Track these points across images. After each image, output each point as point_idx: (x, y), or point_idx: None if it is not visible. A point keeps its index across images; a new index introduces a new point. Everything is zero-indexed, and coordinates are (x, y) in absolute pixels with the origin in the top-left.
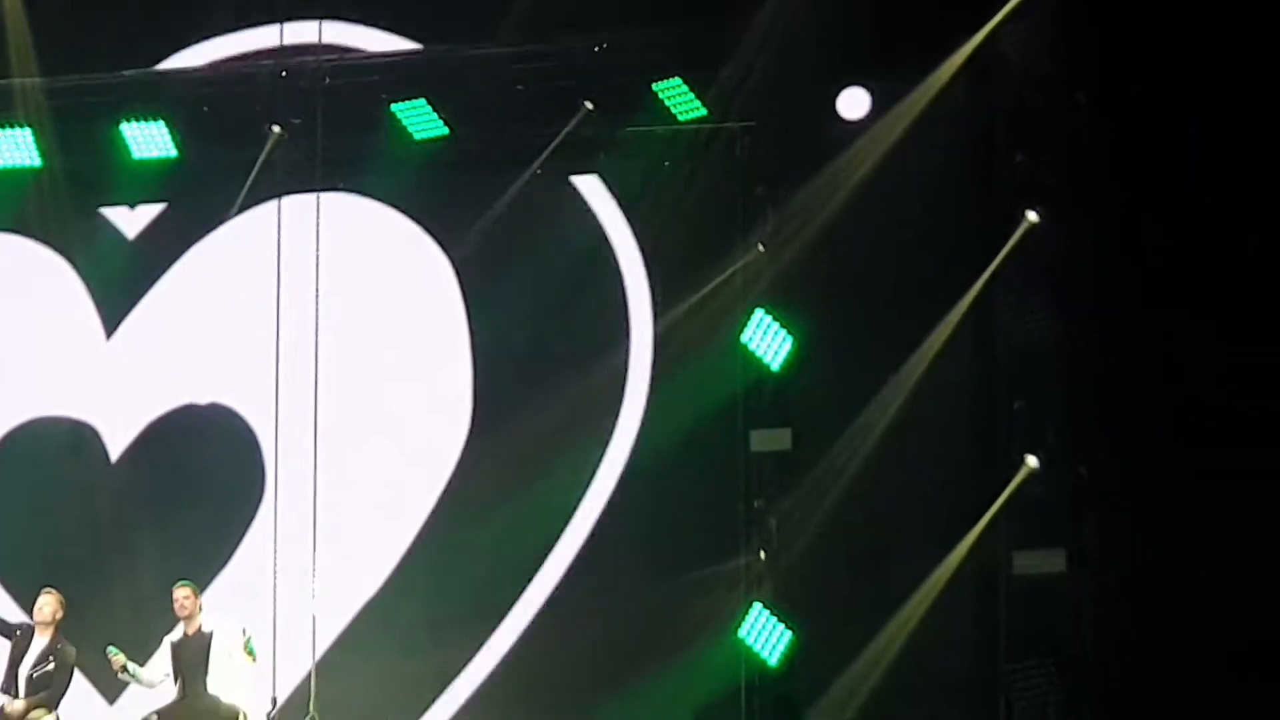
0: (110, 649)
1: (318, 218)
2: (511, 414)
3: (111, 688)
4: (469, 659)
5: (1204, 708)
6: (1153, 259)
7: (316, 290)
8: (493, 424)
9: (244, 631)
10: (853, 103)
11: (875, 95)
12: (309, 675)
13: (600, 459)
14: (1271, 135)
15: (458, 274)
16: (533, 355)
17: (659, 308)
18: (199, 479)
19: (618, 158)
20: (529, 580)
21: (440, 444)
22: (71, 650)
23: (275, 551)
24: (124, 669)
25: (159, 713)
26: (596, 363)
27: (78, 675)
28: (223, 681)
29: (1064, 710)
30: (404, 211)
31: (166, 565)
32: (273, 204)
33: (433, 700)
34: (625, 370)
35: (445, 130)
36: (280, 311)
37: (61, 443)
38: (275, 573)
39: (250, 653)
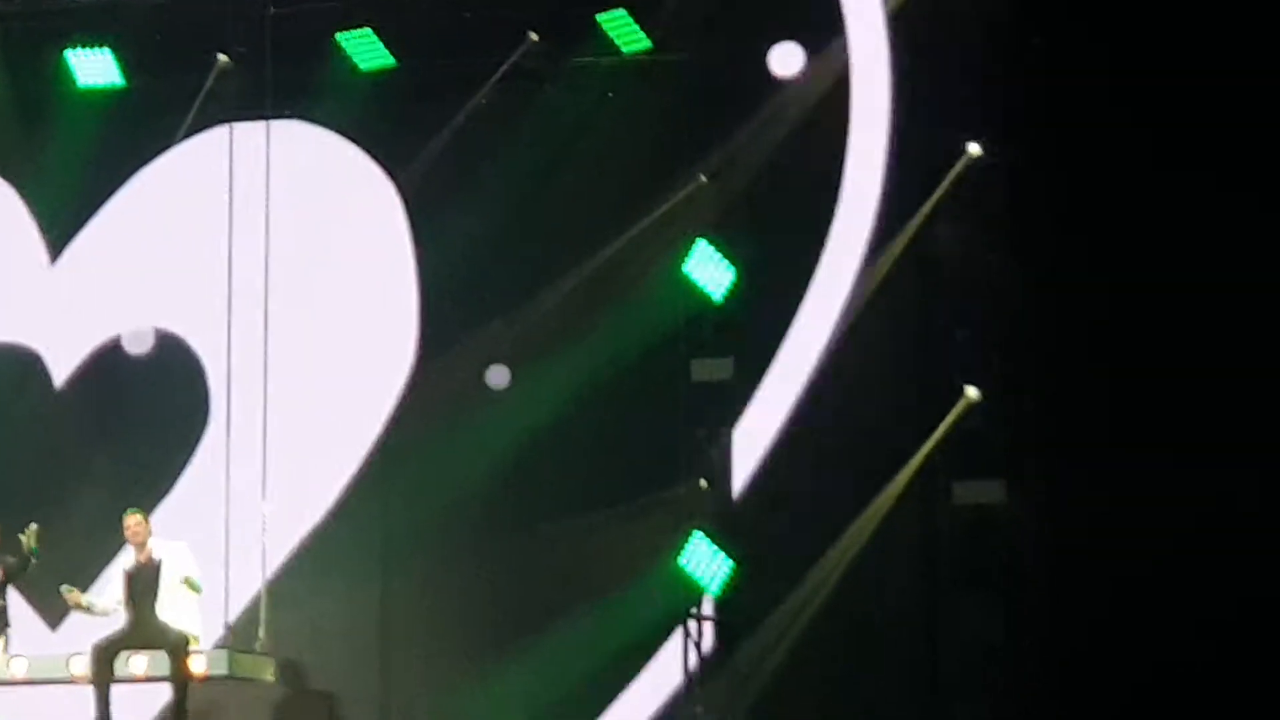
0: (64, 588)
1: (268, 145)
2: (458, 341)
3: (54, 614)
4: (414, 585)
5: (1139, 633)
6: (1100, 192)
7: (267, 217)
8: (439, 351)
9: (186, 565)
10: (786, 58)
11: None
12: (258, 601)
13: (545, 386)
14: (1218, 66)
15: (405, 202)
16: (479, 282)
17: (603, 238)
18: (144, 405)
19: (562, 88)
20: (473, 506)
21: (387, 371)
22: None
23: (226, 479)
24: (79, 605)
25: (110, 639)
26: (543, 291)
27: (21, 603)
28: (172, 607)
29: (1001, 638)
30: (352, 139)
31: (112, 492)
32: (218, 131)
33: (379, 625)
34: (570, 298)
35: (392, 60)
36: (231, 238)
37: (4, 369)
38: (226, 500)
39: (193, 586)
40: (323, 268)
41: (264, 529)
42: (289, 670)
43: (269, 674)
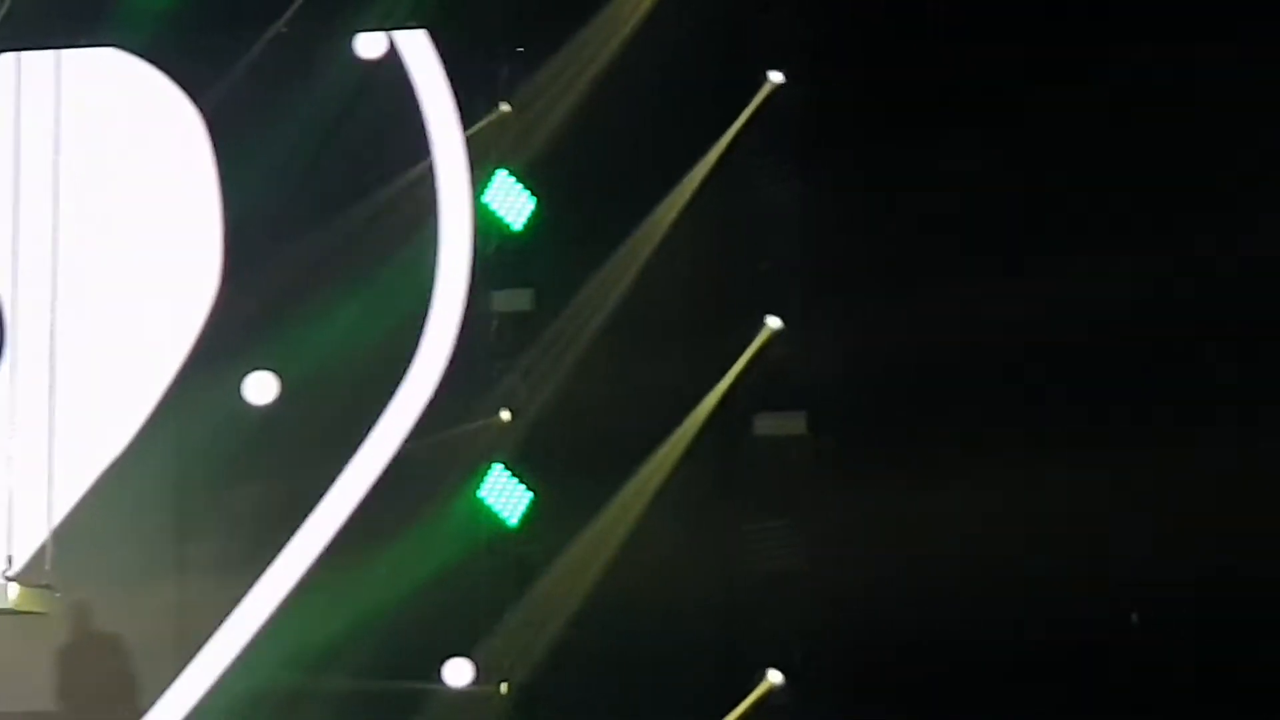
0: None
1: (58, 71)
2: (262, 273)
3: None
4: (208, 522)
5: (937, 564)
6: (887, 122)
7: (57, 144)
8: (242, 284)
9: None
10: None
11: None
12: (46, 538)
13: (344, 316)
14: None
15: (210, 129)
16: (283, 213)
17: (404, 166)
18: None
19: (365, 14)
20: (272, 440)
21: (188, 305)
22: None
23: (13, 412)
24: None
25: None
26: (341, 223)
27: None
28: None
29: (801, 569)
30: (154, 64)
31: None
32: (5, 59)
33: (171, 563)
34: (370, 229)
35: None
36: (18, 170)
37: None
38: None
39: None
40: (123, 197)
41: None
42: (78, 610)
43: (53, 608)
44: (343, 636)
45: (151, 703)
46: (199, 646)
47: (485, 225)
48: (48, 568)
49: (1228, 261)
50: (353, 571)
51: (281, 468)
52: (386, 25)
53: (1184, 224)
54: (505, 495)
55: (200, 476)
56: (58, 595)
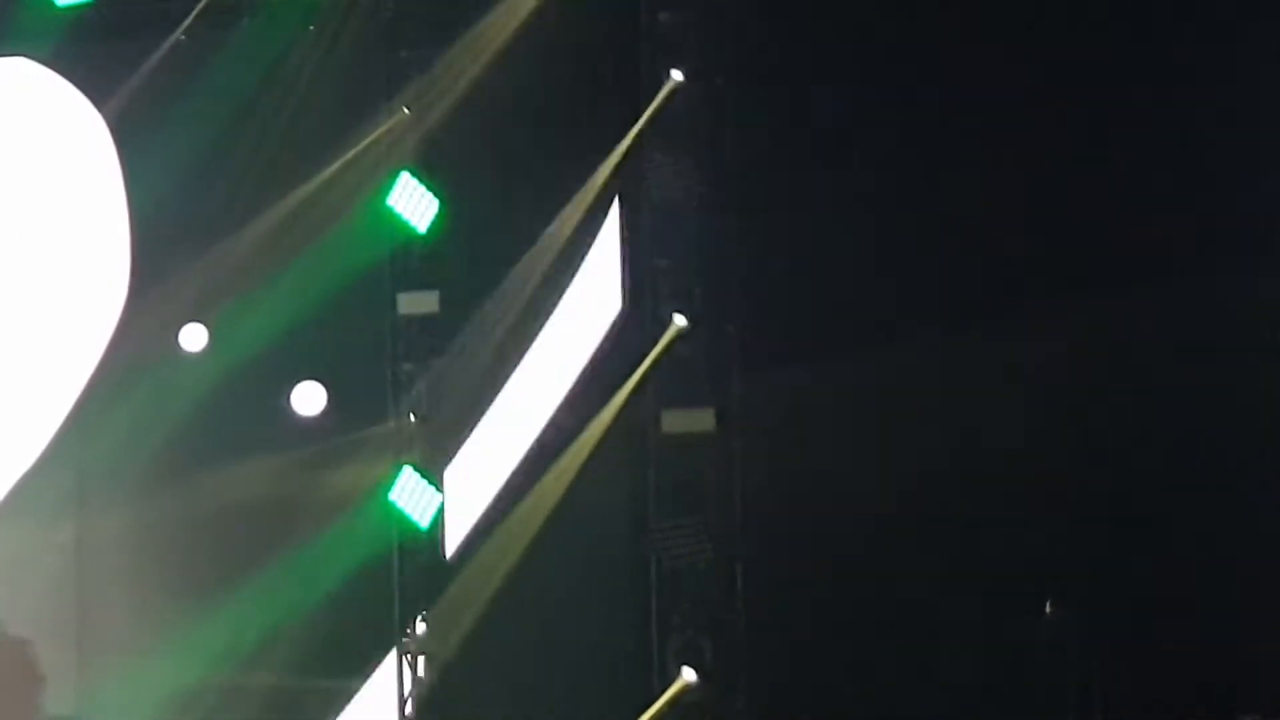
0: None
1: None
2: (169, 277)
3: None
4: (112, 528)
5: (847, 561)
6: (798, 117)
7: None
8: (150, 288)
9: None
10: None
11: None
12: None
13: (250, 323)
14: None
15: (114, 134)
16: (187, 220)
17: (304, 172)
18: None
19: (262, 20)
20: (178, 445)
21: (97, 311)
22: None
23: None
24: None
25: None
26: (252, 223)
27: None
28: None
29: (712, 566)
30: (60, 72)
31: None
32: None
33: (76, 570)
34: (273, 235)
35: None
36: None
37: None
38: None
39: None
40: (27, 204)
41: None
42: None
43: None
44: (255, 642)
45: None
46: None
47: (390, 228)
48: None
49: None
50: (263, 579)
51: (189, 482)
52: (282, 30)
53: None
54: (415, 498)
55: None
56: None
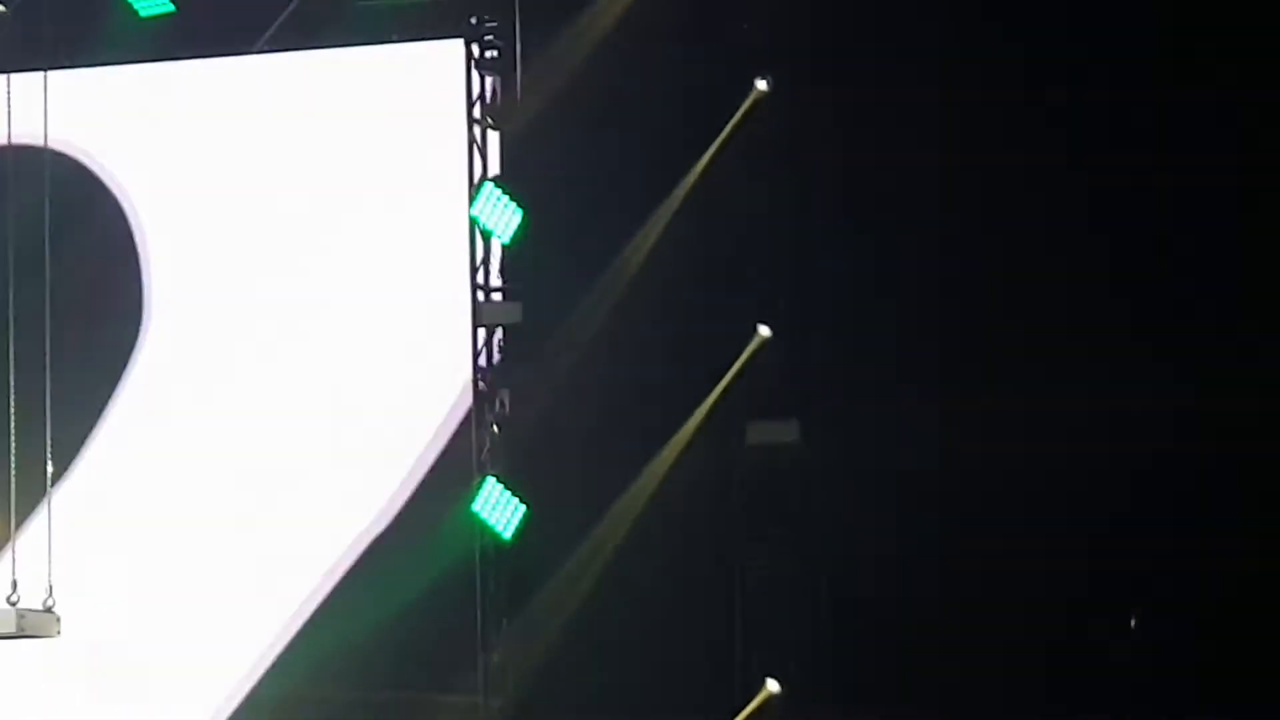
0: None
1: (45, 95)
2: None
3: None
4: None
5: (931, 572)
6: (884, 126)
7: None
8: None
9: None
10: None
11: None
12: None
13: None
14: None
15: None
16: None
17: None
18: None
19: (344, 32)
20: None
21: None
22: None
23: None
24: None
25: None
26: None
27: None
28: None
29: (799, 579)
30: None
31: None
32: None
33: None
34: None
35: (171, 7)
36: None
37: None
38: None
39: None
40: None
41: None
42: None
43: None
44: (353, 648)
45: None
46: None
47: (474, 238)
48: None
49: None
50: (349, 591)
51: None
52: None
53: None
54: (498, 508)
55: None
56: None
